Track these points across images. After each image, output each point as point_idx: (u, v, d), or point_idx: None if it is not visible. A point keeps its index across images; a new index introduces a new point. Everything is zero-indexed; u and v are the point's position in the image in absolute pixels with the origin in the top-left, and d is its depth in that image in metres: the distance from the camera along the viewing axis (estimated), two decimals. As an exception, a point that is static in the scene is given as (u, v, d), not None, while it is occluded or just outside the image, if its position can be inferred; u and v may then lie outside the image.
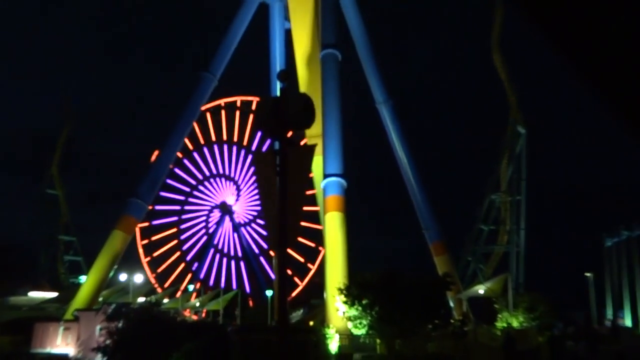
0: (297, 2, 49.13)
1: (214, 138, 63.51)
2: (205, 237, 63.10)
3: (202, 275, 61.36)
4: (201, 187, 64.10)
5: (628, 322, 72.03)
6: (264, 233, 54.60)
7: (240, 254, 63.33)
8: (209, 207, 64.08)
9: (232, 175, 63.60)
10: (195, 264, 61.94)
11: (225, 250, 63.70)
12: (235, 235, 63.47)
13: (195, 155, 63.28)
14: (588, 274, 78.85)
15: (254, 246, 62.47)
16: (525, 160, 60.07)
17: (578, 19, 2.37)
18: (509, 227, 59.47)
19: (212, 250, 62.60)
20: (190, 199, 64.01)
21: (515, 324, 40.49)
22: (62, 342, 32.63)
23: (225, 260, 63.27)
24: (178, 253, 62.50)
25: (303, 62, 49.14)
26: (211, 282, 61.03)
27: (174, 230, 62.96)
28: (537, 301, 43.41)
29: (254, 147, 60.13)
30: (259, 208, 56.68)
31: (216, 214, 63.81)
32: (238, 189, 63.47)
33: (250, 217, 62.90)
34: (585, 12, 2.31)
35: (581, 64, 2.84)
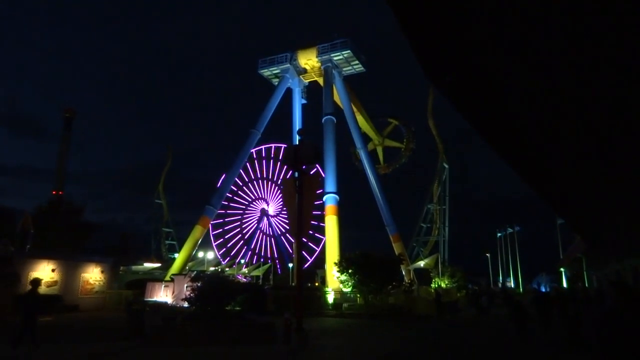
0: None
1: (257, 169, 63.84)
2: (251, 230, 63.01)
3: (249, 254, 61.20)
4: (249, 199, 64.16)
5: (512, 284, 71.30)
6: (288, 227, 54.54)
7: (272, 240, 63.19)
8: (254, 212, 64.12)
9: (268, 192, 63.75)
10: (245, 247, 61.76)
11: (264, 238, 63.52)
12: (270, 229, 63.37)
13: (246, 178, 63.40)
14: (487, 254, 78.27)
15: (281, 236, 62.31)
16: (448, 184, 60.14)
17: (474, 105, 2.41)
18: (438, 225, 59.24)
19: (255, 238, 62.47)
20: (242, 206, 64.08)
21: (443, 285, 40.17)
22: (163, 294, 32.41)
23: (263, 244, 63.15)
24: (234, 239, 62.42)
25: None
26: (255, 258, 60.84)
27: (232, 225, 62.98)
28: (456, 271, 43.15)
29: (282, 175, 60.09)
30: (285, 213, 56.42)
31: (258, 216, 63.82)
32: (272, 201, 63.50)
33: (280, 219, 62.69)
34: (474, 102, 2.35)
35: (476, 124, 2.86)
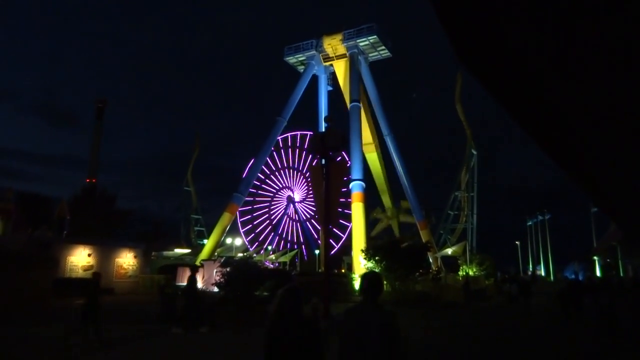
0: (342, 76, 49.51)
1: (284, 157, 64.11)
2: (278, 217, 63.55)
3: (276, 240, 61.83)
4: (275, 187, 64.58)
5: (542, 272, 70.04)
6: (314, 213, 54.80)
7: (299, 227, 63.58)
8: (281, 199, 64.55)
9: (295, 180, 64.02)
10: (272, 234, 62.40)
11: (290, 225, 63.99)
12: (296, 216, 63.79)
13: (272, 166, 63.64)
14: (517, 242, 76.91)
15: (307, 223, 62.62)
16: (476, 170, 59.02)
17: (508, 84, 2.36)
18: (466, 212, 58.35)
19: (282, 225, 63.00)
20: (269, 194, 64.59)
21: (471, 273, 39.70)
22: (193, 279, 33.21)
23: (290, 231, 63.64)
24: (262, 226, 63.10)
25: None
26: (281, 245, 61.46)
27: (259, 212, 63.63)
28: (484, 259, 42.55)
29: (308, 163, 60.14)
30: (312, 199, 56.65)
31: (285, 203, 64.22)
32: (298, 188, 63.74)
33: (306, 206, 62.96)
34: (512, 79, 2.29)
35: (510, 108, 2.79)
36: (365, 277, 3.65)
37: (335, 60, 49.71)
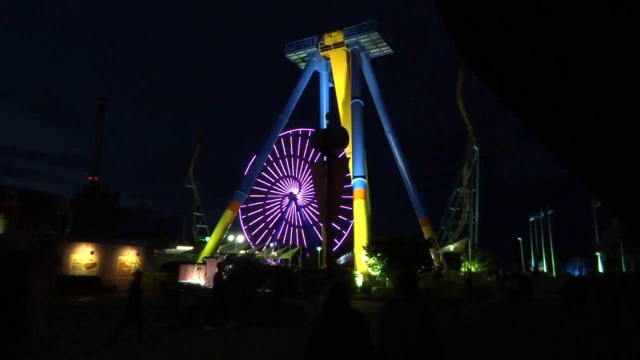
0: (337, 70, 49.36)
1: (285, 153, 64.08)
2: (280, 214, 63.61)
3: (277, 237, 61.90)
4: (277, 183, 64.60)
5: (544, 268, 70.09)
6: (316, 212, 54.84)
7: (301, 224, 63.63)
8: (282, 195, 64.62)
9: (297, 176, 64.00)
10: (274, 230, 62.46)
11: (292, 222, 64.03)
12: (298, 213, 63.82)
13: (274, 164, 63.68)
14: (519, 238, 76.89)
15: (309, 219, 62.64)
16: (478, 167, 58.91)
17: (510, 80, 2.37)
18: (468, 208, 58.27)
19: (284, 222, 63.06)
20: (271, 191, 64.61)
21: (473, 269, 39.72)
22: (196, 276, 33.26)
23: (292, 228, 63.68)
24: (264, 223, 63.19)
25: (341, 104, 49.48)
26: (283, 242, 61.52)
27: (261, 209, 63.74)
28: (486, 255, 42.53)
29: (310, 159, 60.13)
30: (313, 196, 56.64)
31: (287, 200, 64.27)
32: (300, 184, 63.69)
33: (307, 202, 62.97)
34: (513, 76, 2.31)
35: (510, 103, 2.81)
36: (402, 275, 4.05)
37: (332, 49, 49.05)
